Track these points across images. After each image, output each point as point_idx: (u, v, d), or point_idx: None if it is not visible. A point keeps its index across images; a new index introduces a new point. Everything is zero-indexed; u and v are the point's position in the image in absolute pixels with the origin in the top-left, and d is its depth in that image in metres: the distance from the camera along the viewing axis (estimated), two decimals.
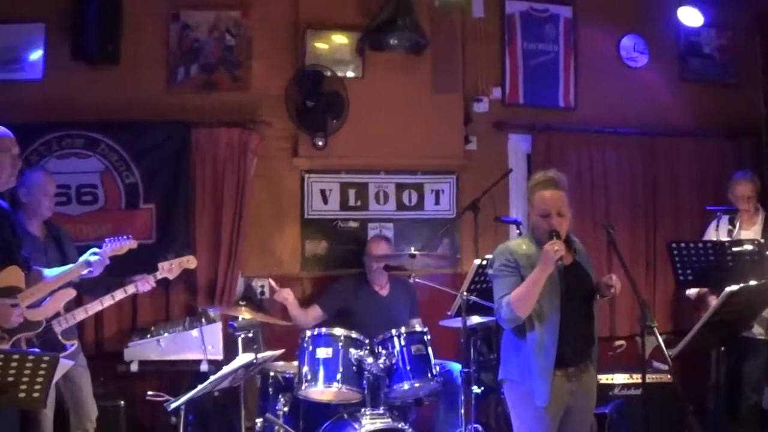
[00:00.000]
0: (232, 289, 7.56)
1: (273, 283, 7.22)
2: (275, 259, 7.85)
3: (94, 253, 5.82)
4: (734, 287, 5.38)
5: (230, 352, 6.70)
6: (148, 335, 6.87)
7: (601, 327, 6.13)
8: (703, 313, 7.57)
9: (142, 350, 6.80)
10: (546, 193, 5.02)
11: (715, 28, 8.96)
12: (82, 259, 5.79)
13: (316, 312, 7.30)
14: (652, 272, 8.47)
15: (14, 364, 4.01)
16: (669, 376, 7.11)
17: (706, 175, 8.71)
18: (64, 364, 4.59)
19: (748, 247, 6.37)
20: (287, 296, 7.16)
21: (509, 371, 5.12)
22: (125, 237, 6.09)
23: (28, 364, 4.04)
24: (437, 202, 8.22)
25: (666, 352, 4.70)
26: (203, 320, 6.89)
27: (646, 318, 4.73)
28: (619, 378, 7.24)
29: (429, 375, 6.30)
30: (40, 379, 4.06)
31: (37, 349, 5.33)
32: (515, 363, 5.07)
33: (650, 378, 7.12)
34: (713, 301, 7.32)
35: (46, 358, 4.10)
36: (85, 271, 5.79)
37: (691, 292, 7.74)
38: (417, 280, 6.74)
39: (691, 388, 7.26)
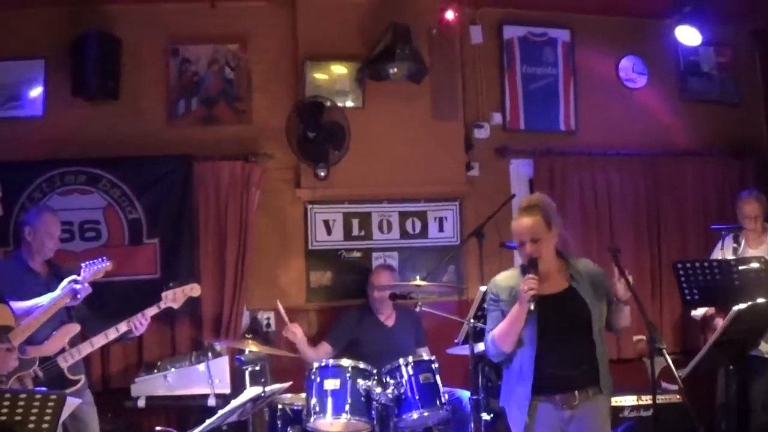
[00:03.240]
0: (238, 322, 7.55)
1: (283, 311, 7.13)
2: (280, 291, 7.80)
3: (75, 281, 5.75)
4: (742, 306, 5.35)
5: (238, 386, 6.68)
6: (155, 370, 6.85)
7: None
8: (710, 333, 7.58)
9: (149, 385, 6.78)
10: (516, 222, 5.02)
11: (713, 47, 8.97)
12: (64, 287, 5.71)
13: (325, 349, 7.25)
14: (658, 293, 8.43)
15: (21, 403, 3.98)
16: (678, 397, 7.07)
17: (710, 195, 8.70)
18: (72, 402, 4.57)
19: (755, 265, 6.32)
20: (297, 332, 7.12)
21: (501, 399, 5.16)
22: (101, 259, 5.99)
23: (36, 403, 4.01)
24: (441, 230, 8.21)
25: (676, 373, 4.65)
26: (210, 354, 6.88)
27: (654, 340, 4.69)
28: (629, 400, 7.19)
29: (438, 403, 6.24)
30: (47, 418, 4.03)
31: (43, 388, 5.30)
32: (504, 391, 5.11)
33: (660, 399, 7.09)
34: (720, 323, 7.32)
35: (53, 397, 4.08)
36: (69, 301, 5.74)
37: (697, 313, 7.69)
38: (423, 308, 6.71)
39: (701, 408, 7.20)
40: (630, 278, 4.88)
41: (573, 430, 4.92)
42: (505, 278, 5.11)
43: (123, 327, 6.07)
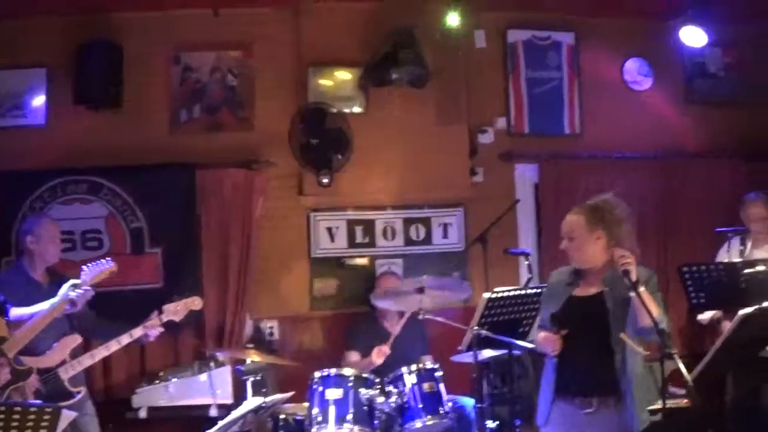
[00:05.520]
0: (241, 332, 7.52)
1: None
2: (283, 299, 7.81)
3: (74, 286, 5.65)
4: (748, 309, 5.27)
5: (240, 396, 6.64)
6: (157, 381, 6.84)
7: None
8: (717, 337, 7.52)
9: (151, 396, 6.77)
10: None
11: (720, 47, 8.86)
12: (61, 294, 5.62)
13: (354, 357, 7.21)
14: (665, 297, 8.33)
15: (16, 416, 3.96)
16: (687, 401, 7.01)
17: (718, 198, 8.57)
18: (67, 415, 4.54)
19: (761, 267, 6.26)
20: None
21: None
22: (106, 260, 5.92)
23: (31, 417, 4.00)
24: (445, 236, 8.16)
25: (687, 376, 4.60)
26: (212, 364, 6.85)
27: (665, 345, 4.63)
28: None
29: (441, 412, 6.18)
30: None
31: (38, 401, 5.27)
32: (540, 387, 5.19)
33: (669, 404, 7.01)
34: (727, 326, 7.26)
35: (48, 410, 4.06)
36: (68, 307, 5.65)
37: (704, 317, 7.65)
38: (427, 316, 6.65)
39: (709, 412, 7.15)
40: (640, 286, 4.78)
41: None
42: (558, 272, 5.23)
43: (125, 339, 6.03)
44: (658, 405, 6.85)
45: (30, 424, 4.00)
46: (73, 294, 5.64)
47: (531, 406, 6.32)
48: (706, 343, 8.00)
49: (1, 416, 3.94)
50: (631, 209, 8.12)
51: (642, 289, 4.69)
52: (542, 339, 4.99)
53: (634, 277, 4.70)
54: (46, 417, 4.05)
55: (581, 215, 4.99)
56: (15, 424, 3.96)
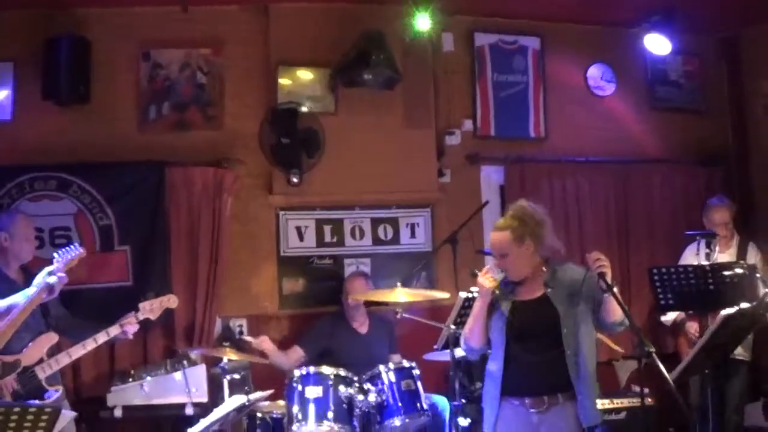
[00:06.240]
0: (211, 330, 7.47)
1: (249, 338, 7.18)
2: (252, 297, 7.78)
3: (51, 273, 5.59)
4: (730, 310, 5.40)
5: (215, 395, 6.63)
6: (130, 379, 6.75)
7: None
8: (682, 338, 7.69)
9: (126, 395, 6.69)
10: (490, 237, 5.28)
11: (681, 55, 9.05)
12: (39, 282, 5.56)
13: (297, 354, 7.23)
14: (627, 298, 8.44)
15: (14, 417, 3.91)
16: (650, 400, 7.14)
17: (678, 202, 8.79)
18: (65, 416, 4.50)
19: (739, 270, 6.41)
20: (266, 346, 7.08)
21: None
22: (74, 246, 5.84)
23: (29, 417, 3.95)
24: (413, 236, 8.21)
25: (667, 375, 4.68)
26: (186, 363, 6.80)
27: (643, 344, 4.72)
28: (599, 404, 7.21)
29: (419, 409, 6.26)
30: None
31: (36, 401, 5.22)
32: (483, 390, 5.27)
33: (630, 402, 7.15)
34: (691, 328, 7.43)
35: (47, 410, 4.01)
36: (45, 295, 5.59)
37: (668, 318, 7.81)
38: (405, 315, 6.69)
39: (671, 411, 7.27)
40: (614, 287, 4.89)
41: None
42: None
43: (102, 338, 5.98)
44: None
45: (27, 424, 3.95)
46: (51, 280, 5.57)
47: None
48: (668, 344, 8.16)
49: (0, 417, 3.89)
50: (593, 212, 8.36)
51: (615, 289, 4.84)
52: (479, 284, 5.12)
53: (609, 279, 4.82)
54: (44, 417, 4.00)
55: (506, 230, 5.09)
56: (12, 424, 3.91)
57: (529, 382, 4.99)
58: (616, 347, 7.50)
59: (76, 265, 5.89)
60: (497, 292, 5.06)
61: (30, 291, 5.54)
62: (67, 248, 5.81)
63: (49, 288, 5.58)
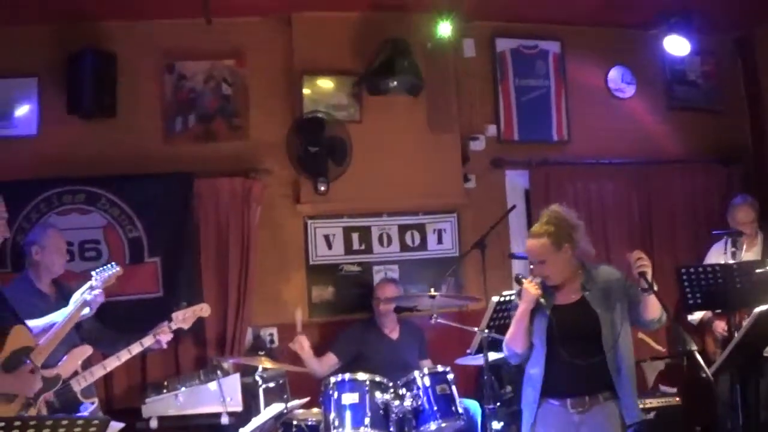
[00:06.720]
0: (242, 340, 7.51)
1: (300, 319, 7.17)
2: (282, 306, 7.79)
3: (92, 288, 5.63)
4: (764, 307, 5.42)
5: (250, 404, 6.65)
6: (164, 390, 6.76)
7: None
8: (708, 336, 7.69)
9: (160, 406, 6.69)
10: (526, 244, 5.27)
11: (699, 55, 9.07)
12: (77, 299, 5.58)
13: (331, 360, 7.26)
14: None
15: (62, 430, 3.90)
16: (677, 399, 7.18)
17: (699, 201, 8.83)
18: (113, 428, 4.50)
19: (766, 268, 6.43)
20: (304, 344, 7.09)
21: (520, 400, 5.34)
22: (111, 264, 5.87)
23: (77, 429, 3.94)
24: (440, 242, 8.23)
25: (707, 369, 4.72)
26: (219, 372, 6.80)
27: (685, 343, 4.75)
28: None
29: (455, 414, 6.27)
30: None
31: (85, 413, 5.23)
32: (522, 393, 5.28)
33: (659, 402, 7.17)
34: (718, 326, 7.43)
35: (95, 422, 4.00)
36: (86, 312, 5.63)
37: (694, 317, 7.80)
38: (439, 320, 6.70)
39: (699, 409, 7.30)
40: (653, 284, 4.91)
41: None
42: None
43: (136, 348, 6.01)
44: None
45: None
46: (89, 297, 5.61)
47: None
48: (695, 343, 8.15)
49: (47, 430, 3.89)
50: (617, 214, 8.37)
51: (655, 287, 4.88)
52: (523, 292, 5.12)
53: (650, 278, 4.87)
54: (92, 429, 3.99)
55: (544, 237, 5.12)
56: None
57: (571, 383, 5.02)
58: (658, 346, 7.52)
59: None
60: (542, 300, 5.06)
61: (68, 309, 5.56)
62: (104, 267, 5.84)
63: (87, 305, 5.61)
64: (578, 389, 5.02)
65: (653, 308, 4.97)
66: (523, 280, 5.17)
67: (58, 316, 5.54)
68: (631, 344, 5.11)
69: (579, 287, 5.13)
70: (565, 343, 5.00)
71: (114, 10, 7.58)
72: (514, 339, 5.19)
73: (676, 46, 8.27)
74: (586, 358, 4.97)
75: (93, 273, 5.77)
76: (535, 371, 5.12)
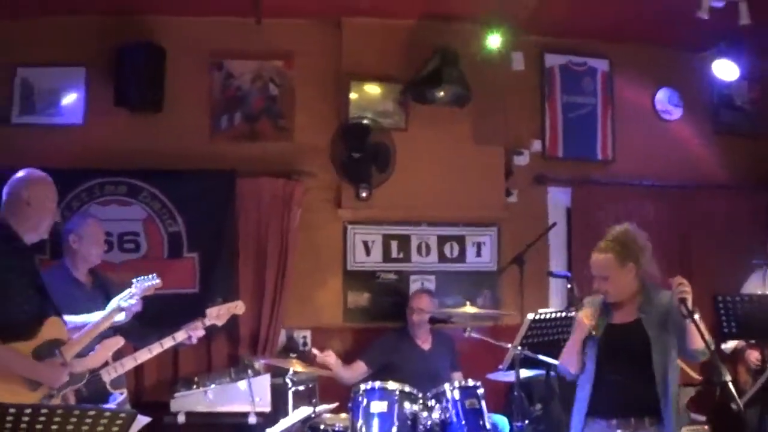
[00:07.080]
0: (275, 340, 7.53)
1: (315, 351, 7.15)
2: (317, 310, 7.82)
3: (131, 296, 5.64)
4: None
5: (278, 405, 6.65)
6: (194, 386, 6.78)
7: None
8: (741, 365, 7.62)
9: (189, 401, 6.72)
10: (591, 258, 5.22)
11: (746, 81, 8.95)
12: (114, 304, 5.59)
13: (360, 368, 7.28)
14: None
15: (88, 420, 3.90)
16: (706, 427, 7.13)
17: (741, 227, 8.69)
18: (140, 422, 4.50)
19: None
20: (329, 359, 7.10)
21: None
22: (152, 276, 5.86)
23: (103, 421, 3.93)
24: (479, 254, 8.19)
25: (738, 400, 4.67)
26: (250, 372, 6.81)
27: (721, 374, 4.69)
28: None
29: (482, 428, 6.22)
30: None
31: (112, 405, 5.24)
32: (572, 411, 5.27)
33: (689, 429, 7.14)
34: (751, 356, 7.36)
35: (122, 415, 3.99)
36: (121, 317, 5.63)
37: (728, 346, 7.72)
38: (473, 334, 6.67)
39: None
40: (695, 313, 4.86)
41: None
42: (591, 303, 5.28)
43: (168, 342, 6.01)
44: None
45: (101, 429, 3.94)
46: (125, 304, 5.61)
47: (559, 427, 6.42)
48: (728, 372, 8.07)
49: (74, 419, 3.89)
50: (656, 237, 8.29)
51: (696, 316, 4.77)
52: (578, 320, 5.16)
53: (690, 305, 4.79)
54: (119, 422, 3.98)
55: (610, 252, 5.12)
56: (86, 428, 3.90)
57: (618, 404, 5.01)
58: (693, 373, 7.46)
59: (143, 270, 5.97)
60: (593, 333, 5.07)
61: (105, 311, 5.58)
62: (145, 277, 5.84)
63: (122, 311, 5.61)
64: (625, 410, 5.01)
65: (695, 338, 4.85)
66: (580, 311, 5.19)
67: (95, 317, 5.56)
68: (677, 371, 5.10)
69: (637, 308, 5.11)
70: (615, 363, 5.01)
71: (165, 6, 7.64)
72: (567, 361, 5.23)
73: (725, 70, 8.18)
74: (634, 380, 4.97)
75: (133, 281, 5.78)
76: (583, 390, 5.13)
